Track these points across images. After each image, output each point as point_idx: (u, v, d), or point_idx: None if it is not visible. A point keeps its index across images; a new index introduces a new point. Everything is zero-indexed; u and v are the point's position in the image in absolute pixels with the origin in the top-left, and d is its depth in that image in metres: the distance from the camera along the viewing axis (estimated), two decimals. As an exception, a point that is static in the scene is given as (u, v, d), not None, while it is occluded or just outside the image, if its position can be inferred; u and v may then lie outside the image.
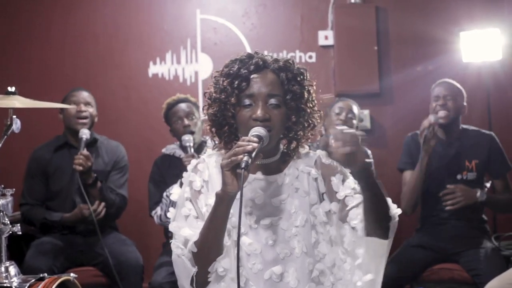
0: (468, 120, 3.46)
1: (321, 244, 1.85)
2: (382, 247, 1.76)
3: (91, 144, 3.54)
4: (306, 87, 1.87)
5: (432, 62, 4.29)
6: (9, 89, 2.47)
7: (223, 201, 1.71)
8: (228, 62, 1.88)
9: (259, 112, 1.79)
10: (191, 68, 4.47)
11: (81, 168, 3.28)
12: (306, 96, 1.86)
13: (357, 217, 1.78)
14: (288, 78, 1.84)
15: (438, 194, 3.33)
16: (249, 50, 4.37)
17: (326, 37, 4.41)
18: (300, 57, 4.44)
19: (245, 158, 1.65)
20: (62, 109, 3.53)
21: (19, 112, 2.42)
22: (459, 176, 3.36)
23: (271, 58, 1.87)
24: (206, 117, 1.90)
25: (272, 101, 1.81)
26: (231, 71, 1.84)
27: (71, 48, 4.48)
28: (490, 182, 3.47)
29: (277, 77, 1.84)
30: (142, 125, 4.45)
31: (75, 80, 4.34)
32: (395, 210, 1.77)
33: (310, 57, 4.43)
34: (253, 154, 1.67)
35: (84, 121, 3.48)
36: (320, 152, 1.92)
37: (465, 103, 3.43)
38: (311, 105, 1.88)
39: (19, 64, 4.47)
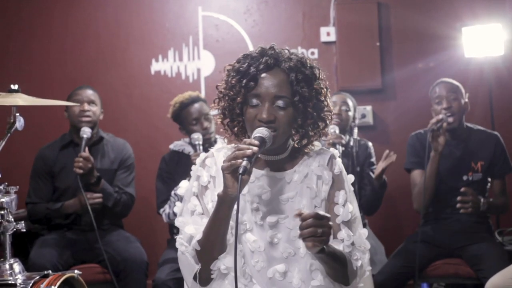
0: (470, 115, 3.45)
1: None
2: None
3: (97, 142, 3.55)
4: (316, 89, 1.82)
5: (434, 57, 4.29)
6: (12, 87, 2.47)
7: (225, 203, 1.70)
8: (240, 57, 1.85)
9: (264, 114, 1.75)
10: (194, 65, 4.47)
11: (81, 171, 3.29)
12: (315, 100, 1.81)
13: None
14: (297, 79, 1.79)
15: (443, 194, 3.33)
16: (251, 47, 4.37)
17: (328, 33, 4.40)
18: (302, 53, 4.41)
19: (244, 163, 1.63)
20: (67, 107, 3.53)
21: (22, 110, 2.42)
22: (465, 177, 3.35)
23: (284, 56, 1.83)
24: (216, 110, 1.89)
25: (279, 103, 1.77)
26: (241, 68, 1.81)
27: (73, 46, 4.49)
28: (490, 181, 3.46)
29: (287, 77, 1.79)
30: (144, 122, 4.45)
31: (77, 78, 4.34)
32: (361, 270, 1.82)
33: (312, 53, 4.43)
34: (253, 159, 1.66)
35: (87, 119, 3.47)
36: (334, 151, 1.90)
37: (466, 99, 3.42)
38: (321, 108, 1.83)
39: (22, 62, 4.47)
